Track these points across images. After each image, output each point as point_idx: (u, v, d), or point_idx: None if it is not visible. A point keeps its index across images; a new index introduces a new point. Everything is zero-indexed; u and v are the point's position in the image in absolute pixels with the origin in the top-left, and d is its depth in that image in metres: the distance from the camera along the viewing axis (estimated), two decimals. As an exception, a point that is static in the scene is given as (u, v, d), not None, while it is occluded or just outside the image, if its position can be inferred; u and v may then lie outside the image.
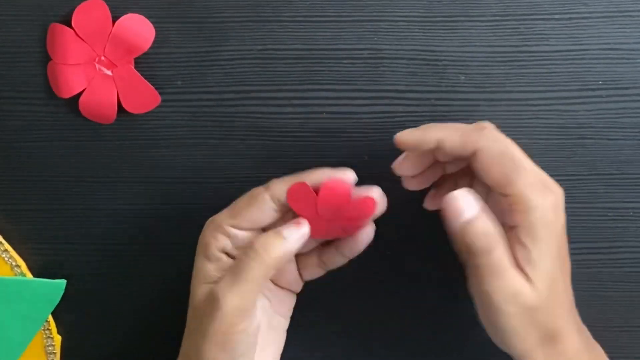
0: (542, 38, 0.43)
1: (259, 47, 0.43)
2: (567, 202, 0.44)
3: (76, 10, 0.40)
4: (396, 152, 0.44)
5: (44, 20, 0.43)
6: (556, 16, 0.43)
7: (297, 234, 0.35)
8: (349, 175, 0.36)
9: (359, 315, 0.46)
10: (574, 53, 0.43)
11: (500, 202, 0.35)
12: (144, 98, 0.41)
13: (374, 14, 0.43)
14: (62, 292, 0.44)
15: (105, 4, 0.40)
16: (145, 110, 0.42)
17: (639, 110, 0.43)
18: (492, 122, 0.43)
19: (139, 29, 0.40)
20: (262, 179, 0.44)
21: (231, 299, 0.32)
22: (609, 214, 0.45)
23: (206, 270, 0.35)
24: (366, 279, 0.46)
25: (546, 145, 0.44)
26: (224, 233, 0.35)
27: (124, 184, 0.45)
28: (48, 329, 0.45)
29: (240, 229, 0.36)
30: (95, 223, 0.45)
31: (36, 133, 0.44)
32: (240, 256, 0.34)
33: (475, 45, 0.43)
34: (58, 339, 0.45)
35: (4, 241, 0.44)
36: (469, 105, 0.44)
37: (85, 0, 0.40)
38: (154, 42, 0.43)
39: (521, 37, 0.43)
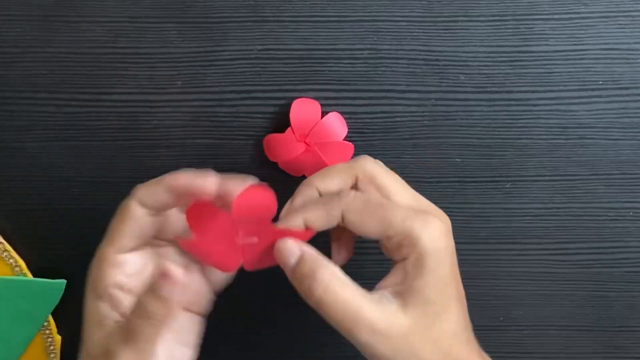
0: (542, 38, 0.43)
1: (259, 47, 0.43)
2: (567, 202, 0.45)
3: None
4: (396, 152, 0.44)
5: (44, 20, 0.43)
6: (556, 16, 0.43)
7: (174, 289, 0.31)
8: (211, 181, 0.32)
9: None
10: (574, 53, 0.43)
11: (388, 244, 0.33)
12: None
13: (374, 14, 0.43)
14: (62, 292, 0.44)
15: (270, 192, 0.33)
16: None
17: (639, 110, 0.43)
18: (492, 122, 0.44)
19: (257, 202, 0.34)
20: (262, 179, 0.44)
21: (125, 356, 0.31)
22: (609, 214, 0.45)
23: (100, 310, 0.33)
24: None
25: (546, 145, 0.44)
26: (111, 264, 0.33)
27: (124, 184, 0.44)
28: (48, 329, 0.45)
29: (127, 252, 0.33)
30: (95, 223, 0.45)
31: (36, 133, 0.44)
32: (132, 319, 0.32)
33: (475, 45, 0.43)
34: (58, 339, 0.45)
35: (4, 241, 0.44)
36: (469, 105, 0.44)
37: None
38: (154, 42, 0.43)
39: (521, 37, 0.43)
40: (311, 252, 0.33)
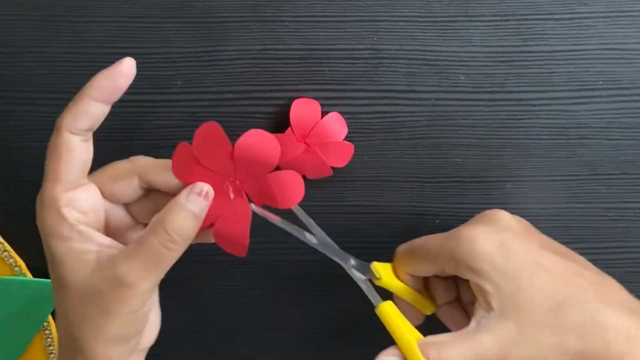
0: (542, 38, 0.43)
1: (259, 47, 0.43)
2: (567, 202, 0.45)
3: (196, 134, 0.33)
4: (396, 152, 0.44)
5: (44, 20, 0.43)
6: (556, 16, 0.43)
7: (205, 206, 0.32)
8: (127, 65, 0.31)
9: (359, 316, 0.47)
10: (574, 53, 0.43)
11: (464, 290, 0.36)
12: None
13: (374, 14, 0.43)
14: (62, 292, 0.44)
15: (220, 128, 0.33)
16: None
17: (639, 110, 0.43)
18: (492, 122, 0.44)
19: (261, 145, 0.34)
20: (262, 179, 0.45)
21: (146, 284, 0.31)
22: (609, 214, 0.45)
23: (74, 250, 0.31)
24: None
25: (546, 145, 0.44)
26: (65, 205, 0.31)
27: (124, 184, 0.45)
28: (48, 329, 0.45)
29: (75, 189, 0.32)
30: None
31: (36, 133, 0.44)
32: (152, 240, 0.31)
33: (475, 45, 0.43)
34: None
35: (4, 241, 0.44)
36: (469, 105, 0.44)
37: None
38: (154, 42, 0.43)
39: (521, 37, 0.43)
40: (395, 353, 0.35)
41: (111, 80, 0.31)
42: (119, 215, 0.35)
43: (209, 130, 0.32)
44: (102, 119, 0.32)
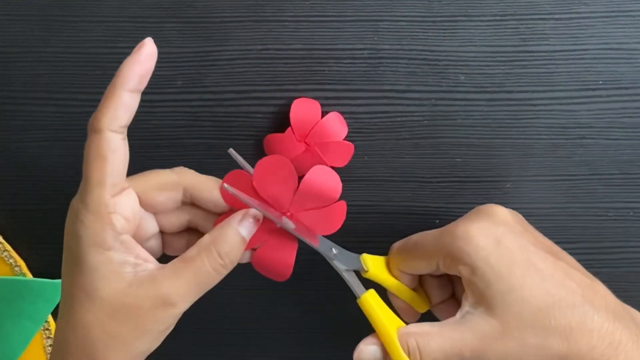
0: (542, 38, 0.43)
1: (259, 47, 0.43)
2: (567, 202, 0.45)
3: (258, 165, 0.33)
4: (396, 152, 0.44)
5: (44, 20, 0.43)
6: (556, 16, 0.43)
7: (253, 230, 0.32)
8: (148, 49, 0.31)
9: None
10: (574, 53, 0.43)
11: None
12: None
13: (374, 14, 0.43)
14: (62, 292, 0.44)
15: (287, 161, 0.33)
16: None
17: (639, 110, 0.43)
18: (492, 122, 0.44)
19: (327, 180, 0.34)
20: (262, 179, 0.45)
21: (185, 305, 0.30)
22: (609, 214, 0.45)
23: (115, 261, 0.29)
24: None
25: (546, 145, 0.44)
26: (111, 211, 0.30)
27: (124, 184, 0.45)
28: (48, 329, 0.45)
29: (120, 193, 0.31)
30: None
31: (36, 133, 0.44)
32: (204, 261, 0.30)
33: (475, 45, 0.43)
34: (58, 339, 0.45)
35: (4, 241, 0.44)
36: (469, 105, 0.44)
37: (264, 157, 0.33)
38: (155, 41, 0.43)
39: (521, 37, 0.43)
40: (373, 347, 0.34)
41: (140, 65, 0.30)
42: (149, 223, 0.34)
43: (277, 164, 0.32)
44: (135, 110, 0.31)
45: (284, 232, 0.34)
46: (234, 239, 0.31)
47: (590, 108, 0.43)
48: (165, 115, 0.44)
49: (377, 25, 0.43)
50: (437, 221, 0.45)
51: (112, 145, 0.30)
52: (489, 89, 0.43)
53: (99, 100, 0.43)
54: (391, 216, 0.45)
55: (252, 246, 0.34)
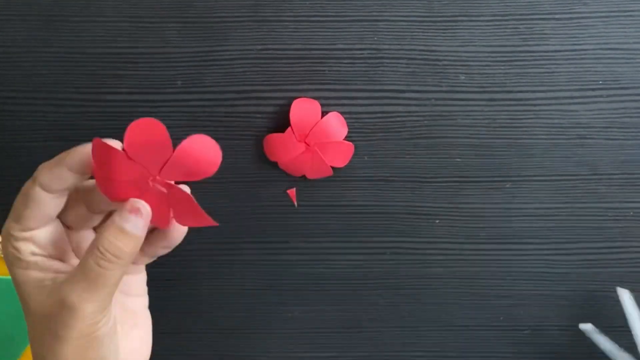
0: (542, 38, 0.43)
1: (259, 47, 0.43)
2: (567, 202, 0.45)
3: (128, 129, 0.32)
4: (396, 152, 0.44)
5: (44, 20, 0.43)
6: (556, 16, 0.43)
7: (141, 223, 0.31)
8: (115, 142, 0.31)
9: (360, 313, 0.47)
10: (574, 53, 0.43)
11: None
12: (194, 220, 0.34)
13: (374, 14, 0.43)
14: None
15: (162, 125, 0.32)
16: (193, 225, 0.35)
17: (639, 110, 0.43)
18: (492, 122, 0.44)
19: (203, 152, 0.33)
20: (262, 179, 0.45)
21: (88, 306, 0.30)
22: (609, 214, 0.45)
23: (32, 278, 0.31)
24: (364, 279, 0.46)
25: (546, 145, 0.44)
26: (22, 240, 0.32)
27: (124, 184, 0.45)
28: (48, 329, 0.45)
29: (33, 229, 0.32)
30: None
31: (36, 133, 0.44)
32: (88, 260, 0.30)
33: (475, 45, 0.43)
34: (58, 339, 0.45)
35: (4, 241, 0.44)
36: (469, 105, 0.44)
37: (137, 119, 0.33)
38: (154, 42, 0.43)
39: (521, 37, 0.43)
40: None
41: (88, 158, 0.31)
42: (89, 240, 0.35)
43: (150, 127, 0.31)
44: (79, 183, 0.32)
45: (174, 191, 0.31)
46: (113, 233, 0.31)
47: (590, 108, 0.43)
48: (165, 115, 0.44)
49: (377, 25, 0.43)
50: (437, 221, 0.45)
51: (37, 198, 0.31)
52: (489, 89, 0.43)
53: (98, 100, 0.44)
54: (391, 216, 0.45)
55: (159, 219, 0.32)
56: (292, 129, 0.42)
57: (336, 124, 0.43)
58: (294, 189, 0.44)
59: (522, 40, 0.43)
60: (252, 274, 0.46)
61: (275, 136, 0.43)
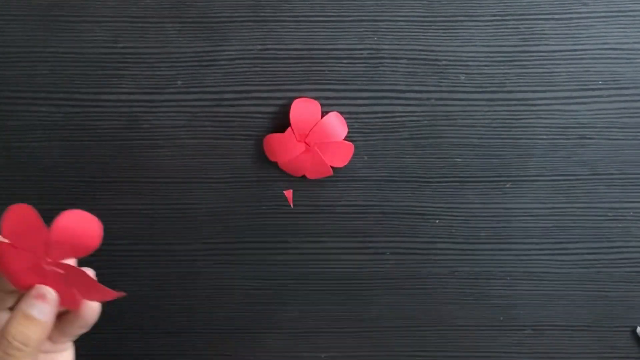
0: (542, 38, 0.43)
1: (259, 47, 0.43)
2: (567, 202, 0.45)
3: (3, 219, 0.31)
4: (396, 152, 0.44)
5: (44, 20, 0.43)
6: (556, 16, 0.43)
7: (47, 308, 0.31)
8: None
9: (361, 312, 0.47)
10: (574, 53, 0.43)
11: None
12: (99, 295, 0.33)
13: (374, 14, 0.43)
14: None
15: (30, 208, 0.31)
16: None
17: (639, 110, 0.43)
18: (492, 122, 0.44)
19: (80, 226, 0.32)
20: (261, 179, 0.45)
21: None
22: (609, 214, 0.45)
23: None
24: (366, 282, 0.46)
25: (546, 145, 0.44)
26: None
27: (124, 184, 0.45)
28: (48, 329, 0.44)
29: None
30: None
31: (36, 133, 0.44)
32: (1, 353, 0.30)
33: (475, 45, 0.43)
34: (58, 339, 0.45)
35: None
36: (469, 105, 0.44)
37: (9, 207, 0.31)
38: (154, 42, 0.43)
39: (521, 37, 0.43)
40: None
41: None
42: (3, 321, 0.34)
43: (20, 214, 0.30)
44: None
45: (73, 272, 0.31)
46: (19, 321, 0.31)
47: (590, 108, 0.43)
48: (165, 115, 0.44)
49: (377, 25, 0.43)
50: (437, 221, 0.45)
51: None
52: (489, 89, 0.43)
53: (99, 100, 0.44)
54: (391, 216, 0.45)
55: (69, 301, 0.32)
56: (292, 129, 0.42)
57: (336, 124, 0.43)
58: (291, 191, 0.44)
59: (522, 40, 0.43)
60: (252, 274, 0.46)
61: (275, 136, 0.43)
